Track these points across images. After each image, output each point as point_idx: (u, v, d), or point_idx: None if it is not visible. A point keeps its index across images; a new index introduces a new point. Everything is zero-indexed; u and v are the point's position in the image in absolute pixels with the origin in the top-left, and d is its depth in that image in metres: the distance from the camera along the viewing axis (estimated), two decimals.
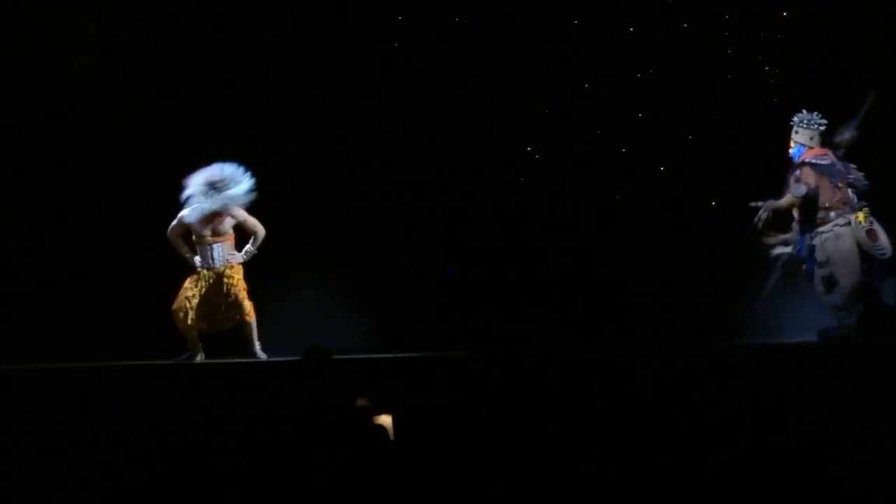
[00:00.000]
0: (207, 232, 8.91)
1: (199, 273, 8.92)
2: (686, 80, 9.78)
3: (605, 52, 9.87)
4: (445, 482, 6.42)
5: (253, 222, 8.98)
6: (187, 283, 8.90)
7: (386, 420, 6.21)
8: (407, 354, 8.34)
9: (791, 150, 8.83)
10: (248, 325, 8.92)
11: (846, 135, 8.81)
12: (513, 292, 9.84)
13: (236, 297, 8.88)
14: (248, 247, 8.98)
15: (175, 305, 8.86)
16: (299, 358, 6.18)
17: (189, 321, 8.84)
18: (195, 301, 8.86)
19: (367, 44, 10.03)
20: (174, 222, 8.93)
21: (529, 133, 10.02)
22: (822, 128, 8.78)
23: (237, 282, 8.92)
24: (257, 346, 8.90)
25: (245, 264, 8.99)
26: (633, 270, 9.70)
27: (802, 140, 8.79)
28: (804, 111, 8.81)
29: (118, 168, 9.79)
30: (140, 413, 7.19)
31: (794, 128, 8.81)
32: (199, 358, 8.88)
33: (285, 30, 9.99)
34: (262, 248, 9.02)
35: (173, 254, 8.98)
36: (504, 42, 9.92)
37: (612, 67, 9.87)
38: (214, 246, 8.92)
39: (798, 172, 8.73)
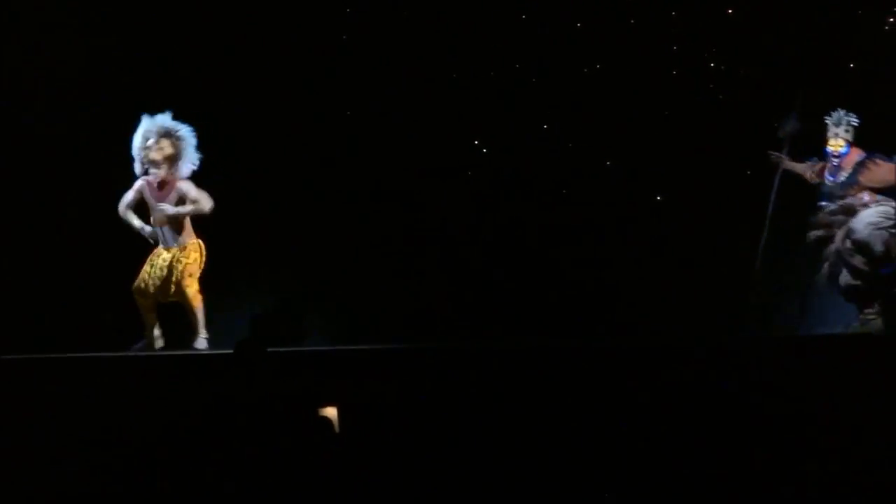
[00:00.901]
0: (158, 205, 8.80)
1: (156, 251, 8.84)
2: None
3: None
4: (391, 474, 6.45)
5: (196, 195, 8.80)
6: (146, 262, 8.85)
7: (331, 412, 6.24)
8: (353, 347, 8.36)
9: (841, 149, 8.81)
10: (191, 312, 8.86)
11: (788, 127, 8.94)
12: (468, 285, 9.87)
13: (180, 281, 8.76)
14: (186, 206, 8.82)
15: (133, 285, 8.82)
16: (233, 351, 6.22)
17: (142, 295, 8.78)
18: (148, 276, 8.79)
19: (328, 39, 10.06)
20: (127, 194, 8.89)
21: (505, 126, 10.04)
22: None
23: (185, 266, 8.77)
24: (201, 334, 8.82)
25: (207, 256, 8.90)
26: (602, 265, 9.75)
27: (850, 138, 8.84)
28: (840, 110, 8.85)
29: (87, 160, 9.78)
30: (88, 403, 7.20)
31: (844, 126, 8.81)
32: (157, 346, 8.82)
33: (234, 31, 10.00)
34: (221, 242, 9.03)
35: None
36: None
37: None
38: (164, 228, 8.83)
39: (872, 162, 8.74)
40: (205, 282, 8.93)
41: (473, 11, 9.90)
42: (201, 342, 8.80)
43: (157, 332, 8.91)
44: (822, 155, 8.94)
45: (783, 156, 9.00)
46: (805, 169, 9.00)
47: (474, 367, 7.38)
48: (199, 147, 8.94)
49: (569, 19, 9.96)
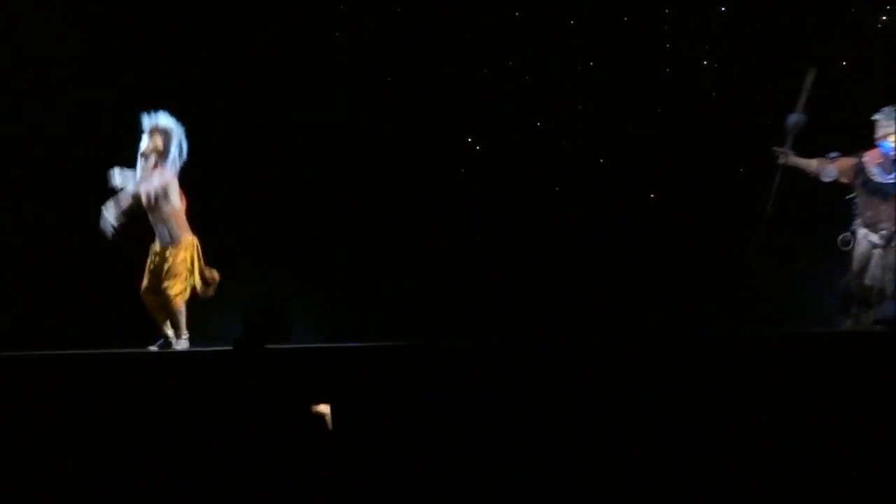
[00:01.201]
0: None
1: (152, 246, 8.88)
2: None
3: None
4: (383, 472, 6.45)
5: (172, 196, 8.82)
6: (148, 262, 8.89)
7: (324, 409, 6.24)
8: (346, 344, 8.35)
9: None
10: (170, 313, 8.82)
11: (795, 119, 8.90)
12: (462, 283, 9.87)
13: (164, 280, 8.77)
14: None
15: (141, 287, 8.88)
16: (230, 348, 6.20)
17: (146, 297, 8.82)
18: (146, 275, 8.84)
19: (316, 34, 10.06)
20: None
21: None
22: None
23: (171, 265, 8.78)
24: (182, 335, 8.81)
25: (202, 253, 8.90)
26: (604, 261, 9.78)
27: None
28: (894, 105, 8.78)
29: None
30: (82, 400, 7.20)
31: None
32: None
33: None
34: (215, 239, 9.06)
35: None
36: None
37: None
38: (159, 225, 8.85)
39: None
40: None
41: (467, 8, 9.91)
42: (182, 343, 8.81)
43: (171, 331, 8.91)
44: (875, 147, 8.81)
45: (788, 151, 8.97)
46: (819, 165, 8.89)
47: (468, 365, 7.38)
48: (193, 144, 8.98)
49: (562, 17, 9.97)
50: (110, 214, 8.82)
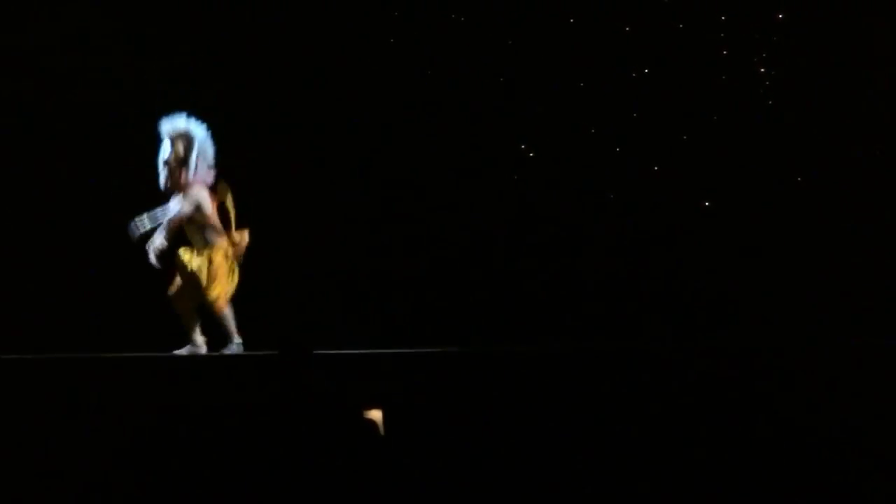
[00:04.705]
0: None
1: (181, 252, 8.40)
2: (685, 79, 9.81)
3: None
4: (436, 478, 6.40)
5: (187, 202, 8.36)
6: (183, 259, 8.40)
7: (376, 415, 6.18)
8: (398, 350, 8.29)
9: None
10: (220, 317, 8.46)
11: None
12: (510, 289, 9.79)
13: (207, 286, 8.36)
14: None
15: (171, 290, 8.44)
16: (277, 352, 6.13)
17: (177, 304, 8.43)
18: (178, 282, 8.43)
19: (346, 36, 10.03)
20: None
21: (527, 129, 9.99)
22: None
23: (212, 268, 8.36)
24: (234, 340, 8.55)
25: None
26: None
27: None
28: None
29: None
30: (121, 407, 7.12)
31: None
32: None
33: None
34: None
35: None
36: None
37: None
38: (193, 233, 8.40)
39: None
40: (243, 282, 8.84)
41: (523, 15, 9.87)
42: (232, 348, 8.55)
43: (200, 337, 8.56)
44: None
45: None
46: None
47: (521, 372, 7.34)
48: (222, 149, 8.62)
49: (617, 23, 9.92)
50: (144, 225, 8.38)
